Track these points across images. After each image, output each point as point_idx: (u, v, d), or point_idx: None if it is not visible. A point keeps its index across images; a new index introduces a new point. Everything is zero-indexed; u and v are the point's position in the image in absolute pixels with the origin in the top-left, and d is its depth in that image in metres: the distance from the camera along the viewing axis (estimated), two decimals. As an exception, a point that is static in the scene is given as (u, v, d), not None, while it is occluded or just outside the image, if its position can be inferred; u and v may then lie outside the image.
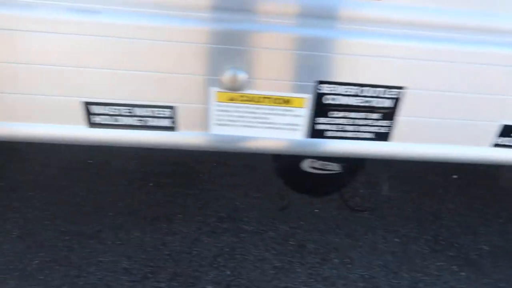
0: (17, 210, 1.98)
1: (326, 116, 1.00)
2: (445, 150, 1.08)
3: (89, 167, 2.29)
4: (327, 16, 0.89)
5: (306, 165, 1.24)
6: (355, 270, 1.86)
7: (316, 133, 1.02)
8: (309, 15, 0.89)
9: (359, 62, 0.93)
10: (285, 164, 1.27)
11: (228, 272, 1.81)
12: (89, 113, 0.94)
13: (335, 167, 1.24)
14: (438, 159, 1.10)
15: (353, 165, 1.26)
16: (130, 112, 0.96)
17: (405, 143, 1.05)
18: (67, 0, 0.84)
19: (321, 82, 0.95)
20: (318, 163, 1.22)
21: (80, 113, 0.94)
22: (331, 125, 1.02)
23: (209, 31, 0.87)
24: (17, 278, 1.68)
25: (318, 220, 2.12)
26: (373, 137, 1.04)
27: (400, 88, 0.97)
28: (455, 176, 2.58)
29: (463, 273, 1.89)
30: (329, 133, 1.03)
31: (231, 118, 0.99)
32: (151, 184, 2.25)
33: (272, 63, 0.91)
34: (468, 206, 2.30)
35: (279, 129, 1.01)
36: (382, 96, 0.98)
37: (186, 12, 0.87)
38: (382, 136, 1.04)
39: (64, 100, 0.92)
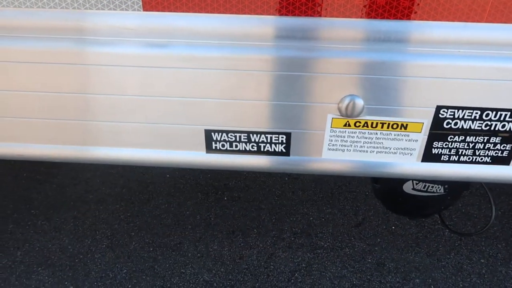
0: (105, 221, 2.12)
1: (444, 141, 0.98)
2: None
3: (167, 181, 2.40)
4: (442, 42, 0.89)
5: (408, 187, 1.22)
6: (439, 292, 1.78)
7: (431, 157, 1.01)
8: (422, 42, 0.90)
9: (479, 85, 0.91)
10: (387, 186, 1.26)
11: (306, 288, 1.80)
12: (209, 140, 1.01)
13: (438, 189, 1.21)
14: None
15: (457, 186, 1.22)
16: (247, 139, 1.01)
17: None
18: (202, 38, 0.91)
19: (441, 107, 0.94)
20: (421, 185, 1.20)
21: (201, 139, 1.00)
22: (448, 149, 1.00)
23: (327, 60, 0.90)
24: (108, 286, 1.79)
25: (396, 237, 2.06)
26: (492, 161, 1.01)
27: None
28: (544, 193, 2.40)
29: (562, 300, 1.74)
30: (445, 157, 1.01)
31: (344, 144, 1.01)
32: (225, 198, 2.31)
33: (388, 90, 0.92)
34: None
35: (393, 153, 1.01)
36: (506, 119, 0.95)
37: (305, 43, 0.91)
38: (503, 160, 1.01)
39: (187, 128, 0.99)
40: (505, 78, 0.90)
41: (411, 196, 1.23)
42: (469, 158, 1.01)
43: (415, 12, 0.87)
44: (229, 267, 1.90)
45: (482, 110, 0.94)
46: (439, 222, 2.16)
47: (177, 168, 2.52)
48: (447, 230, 2.05)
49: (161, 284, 1.82)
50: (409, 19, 0.88)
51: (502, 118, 0.95)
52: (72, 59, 0.94)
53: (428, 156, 1.01)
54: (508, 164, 1.00)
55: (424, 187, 1.21)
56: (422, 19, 0.88)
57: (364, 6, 0.87)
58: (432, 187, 1.20)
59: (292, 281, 1.85)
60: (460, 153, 1.00)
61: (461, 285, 1.81)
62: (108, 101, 0.98)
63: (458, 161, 1.01)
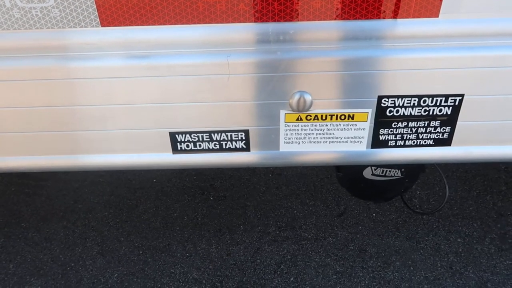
0: (95, 229, 2.18)
1: (389, 127, 1.06)
2: (504, 150, 1.09)
3: (154, 186, 2.47)
4: (382, 37, 0.97)
5: (368, 173, 1.29)
6: (418, 273, 1.86)
7: (379, 144, 1.09)
8: (358, 39, 0.97)
9: (415, 75, 0.99)
10: (348, 173, 1.34)
11: (292, 279, 1.87)
12: (174, 141, 1.08)
13: (396, 173, 1.29)
14: (497, 159, 1.12)
15: (414, 169, 1.30)
16: (209, 138, 1.08)
17: (465, 147, 1.08)
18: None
19: (383, 97, 1.02)
20: (379, 170, 1.28)
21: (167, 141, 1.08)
22: (394, 135, 1.08)
23: (277, 61, 0.98)
24: (101, 291, 1.85)
25: (377, 224, 2.14)
26: (435, 143, 1.09)
27: (458, 95, 1.01)
28: (518, 171, 2.48)
29: (535, 272, 1.83)
30: (391, 143, 1.09)
31: (299, 136, 1.09)
32: (212, 198, 2.38)
33: (334, 84, 1.00)
34: (535, 202, 2.21)
35: (344, 142, 1.09)
36: (441, 104, 1.03)
37: (255, 47, 0.98)
38: (444, 142, 1.09)
39: (153, 132, 1.07)
40: (438, 67, 0.98)
41: (371, 181, 1.30)
42: (413, 142, 1.09)
43: (348, 12, 0.95)
44: (217, 264, 1.96)
45: (420, 97, 1.02)
46: (417, 206, 2.24)
47: (163, 172, 2.59)
48: (429, 214, 2.13)
49: (151, 285, 1.88)
50: (343, 19, 0.95)
51: (438, 103, 1.02)
52: (42, 75, 1.01)
53: (376, 142, 1.09)
54: (449, 145, 1.08)
55: (382, 172, 1.29)
56: (355, 18, 0.96)
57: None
58: (390, 171, 1.28)
59: (278, 272, 1.92)
60: (405, 138, 1.08)
61: (439, 265, 1.89)
62: (78, 112, 1.05)
63: (404, 145, 1.09)
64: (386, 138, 1.09)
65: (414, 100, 1.02)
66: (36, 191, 2.44)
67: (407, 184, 1.36)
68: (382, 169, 1.27)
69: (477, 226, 2.08)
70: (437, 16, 0.93)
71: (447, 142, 1.09)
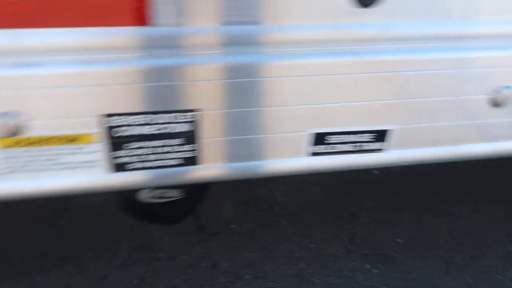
0: None
1: (125, 149, 0.97)
2: (264, 165, 1.06)
3: (-4, 213, 2.19)
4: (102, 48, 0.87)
5: (144, 196, 1.21)
6: (266, 284, 1.84)
7: (120, 167, 0.99)
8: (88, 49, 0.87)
9: (145, 90, 0.91)
10: (122, 199, 1.24)
11: (136, 306, 1.75)
12: None
13: (176, 193, 1.22)
14: (255, 175, 1.09)
15: (194, 188, 1.24)
16: None
17: (214, 165, 1.03)
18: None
19: (109, 115, 0.92)
20: (156, 192, 1.20)
21: None
22: (133, 157, 0.99)
23: None
24: None
25: (233, 236, 2.09)
26: (183, 162, 1.02)
27: (194, 111, 0.95)
28: (376, 172, 2.61)
29: (375, 270, 1.90)
30: (134, 165, 1.00)
31: (22, 164, 0.95)
32: (63, 222, 2.17)
33: (49, 102, 0.88)
34: (385, 201, 2.33)
35: (75, 168, 0.98)
36: (177, 121, 0.96)
37: None
38: (192, 161, 1.02)
39: None
40: (169, 80, 0.90)
41: (152, 204, 1.22)
42: (158, 163, 1.01)
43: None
44: (54, 298, 1.78)
45: (153, 113, 0.93)
46: (277, 214, 2.24)
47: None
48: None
49: (-30, 332, 1.64)
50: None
51: (175, 121, 0.95)
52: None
53: (116, 166, 0.99)
54: (198, 163, 1.03)
55: (160, 194, 1.21)
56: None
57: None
58: (168, 192, 1.21)
59: (123, 300, 1.78)
60: (147, 159, 1.00)
61: (288, 273, 1.89)
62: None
63: (150, 167, 1.01)
64: (126, 161, 1.00)
65: (146, 118, 0.94)
66: None
67: (193, 203, 1.30)
68: (158, 191, 1.19)
69: (330, 230, 2.13)
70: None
71: (195, 160, 1.02)
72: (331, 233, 2.10)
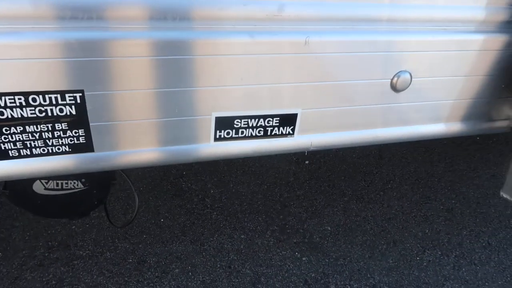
0: None
1: (2, 134, 0.86)
2: (167, 152, 1.00)
3: None
4: None
5: (40, 188, 1.10)
6: (196, 277, 1.79)
7: (0, 155, 0.88)
8: None
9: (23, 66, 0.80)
10: (16, 191, 1.12)
11: (53, 308, 1.62)
12: None
13: (76, 184, 1.12)
14: (171, 162, 1.04)
15: (100, 179, 1.16)
16: None
17: (110, 152, 0.95)
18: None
19: None
20: (53, 183, 1.09)
21: None
22: (13, 143, 0.88)
23: None
24: None
25: (163, 230, 2.02)
26: (73, 149, 0.93)
27: (79, 92, 0.86)
28: (307, 162, 2.65)
29: (304, 258, 1.92)
30: (14, 152, 0.89)
31: None
32: (-31, 222, 1.95)
33: None
34: (316, 190, 2.37)
35: None
36: (61, 103, 0.86)
37: None
38: (84, 147, 0.93)
39: None
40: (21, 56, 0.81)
41: (49, 196, 1.12)
42: (44, 150, 0.91)
43: None
44: (-44, 306, 1.59)
45: (26, 94, 0.84)
46: (208, 206, 2.19)
47: None
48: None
49: None
50: None
51: (54, 102, 0.86)
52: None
53: None
54: (92, 150, 0.95)
55: (57, 185, 1.12)
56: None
57: None
58: (67, 183, 1.12)
59: (39, 303, 1.64)
60: (29, 145, 0.90)
61: (218, 265, 1.85)
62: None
63: (32, 155, 0.91)
64: (5, 147, 0.89)
65: (19, 99, 0.84)
66: None
67: (97, 195, 1.22)
68: (56, 181, 1.09)
69: (262, 220, 2.13)
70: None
71: (87, 147, 0.94)
72: (262, 223, 2.10)
